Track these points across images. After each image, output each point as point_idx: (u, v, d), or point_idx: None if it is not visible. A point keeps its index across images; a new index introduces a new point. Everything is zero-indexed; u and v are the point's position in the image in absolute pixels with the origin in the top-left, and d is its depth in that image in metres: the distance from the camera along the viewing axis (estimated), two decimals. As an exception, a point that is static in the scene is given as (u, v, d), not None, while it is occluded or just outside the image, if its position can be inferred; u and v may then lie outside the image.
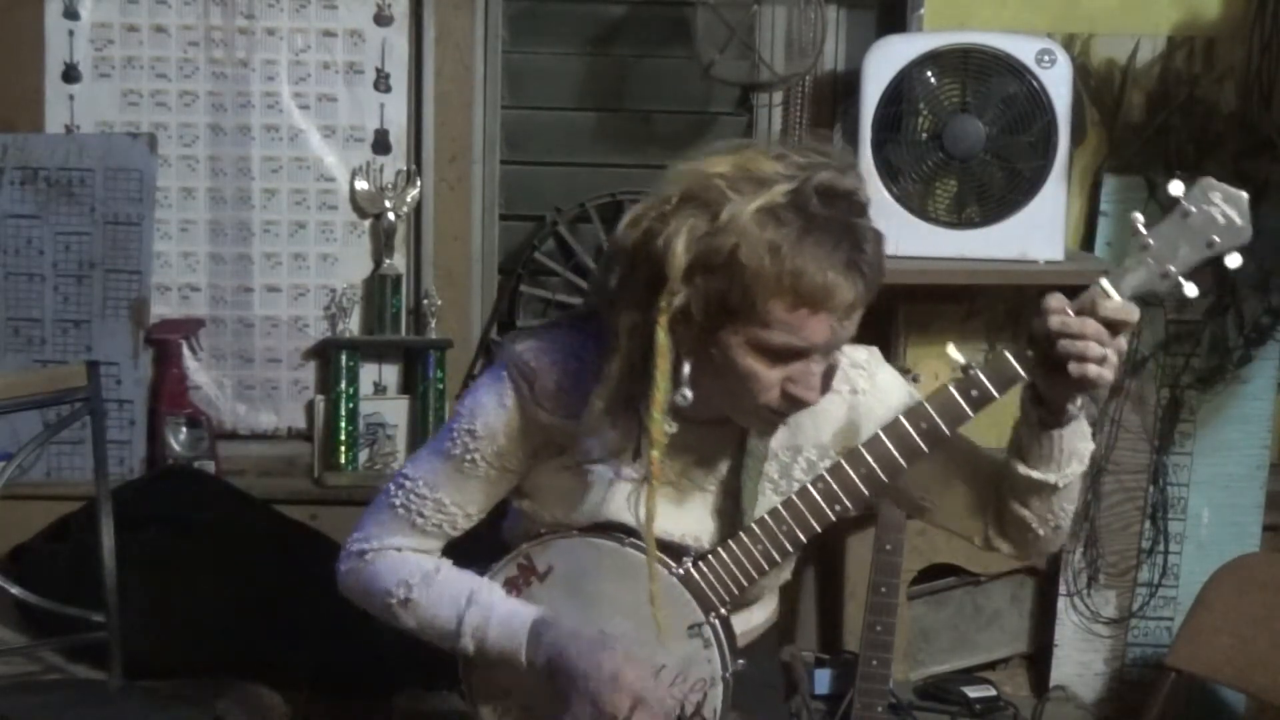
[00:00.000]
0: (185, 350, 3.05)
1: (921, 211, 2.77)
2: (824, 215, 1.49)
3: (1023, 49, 2.73)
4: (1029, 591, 3.11)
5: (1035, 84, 2.72)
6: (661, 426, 1.57)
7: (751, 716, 1.78)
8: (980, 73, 2.75)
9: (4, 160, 2.97)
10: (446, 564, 1.77)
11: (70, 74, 3.01)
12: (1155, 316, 2.97)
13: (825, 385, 1.59)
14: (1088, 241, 3.01)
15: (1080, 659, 3.06)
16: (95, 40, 3.01)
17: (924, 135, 2.79)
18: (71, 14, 3.00)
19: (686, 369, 1.56)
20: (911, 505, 1.75)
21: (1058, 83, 2.72)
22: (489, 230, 3.12)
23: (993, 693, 2.95)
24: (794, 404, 1.56)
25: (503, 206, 3.12)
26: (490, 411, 1.69)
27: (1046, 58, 2.72)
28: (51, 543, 2.85)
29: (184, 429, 3.01)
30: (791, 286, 1.48)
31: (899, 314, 2.99)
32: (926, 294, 2.95)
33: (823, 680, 2.91)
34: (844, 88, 2.99)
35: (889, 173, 2.76)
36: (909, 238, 2.74)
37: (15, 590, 2.53)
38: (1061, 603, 3.03)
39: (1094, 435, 1.63)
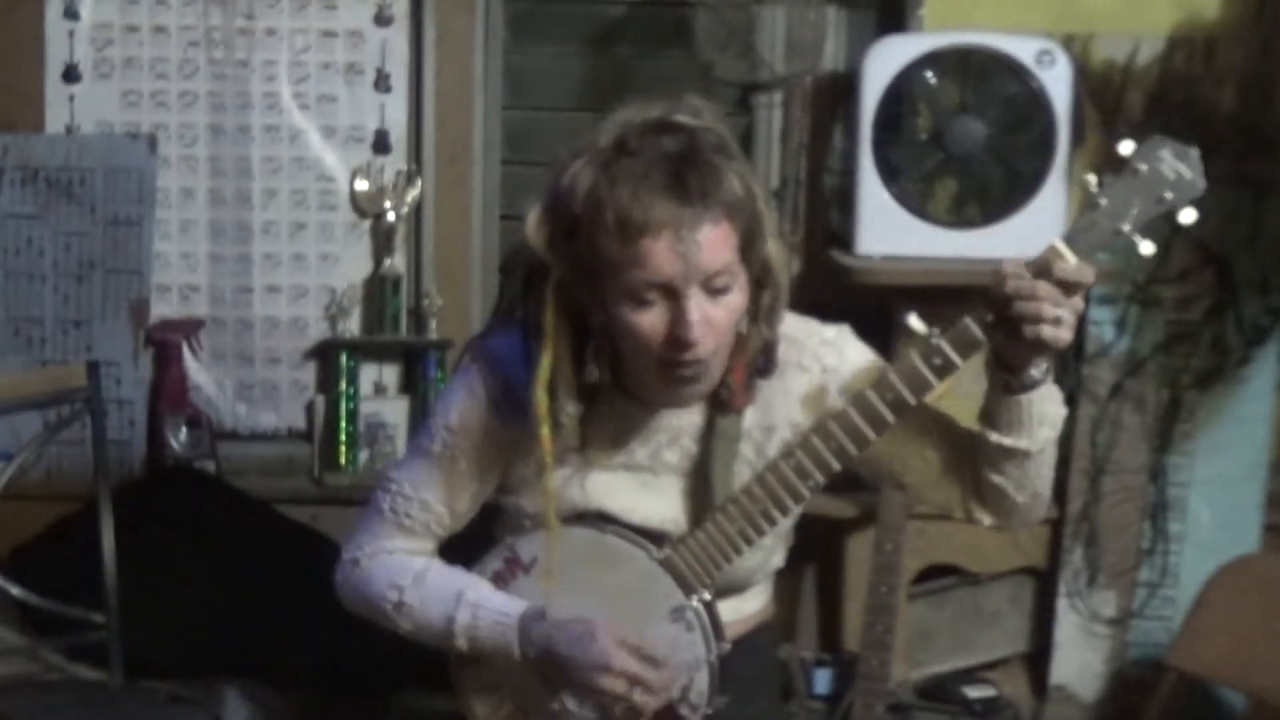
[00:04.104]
0: (185, 350, 3.05)
1: (921, 211, 2.77)
2: (640, 150, 1.53)
3: (1023, 49, 2.73)
4: (1029, 591, 3.10)
5: (1035, 84, 2.72)
6: (544, 404, 1.60)
7: (745, 706, 1.77)
8: (980, 73, 2.75)
9: (4, 160, 2.97)
10: (436, 563, 1.77)
11: (70, 74, 3.01)
12: (1155, 317, 2.96)
13: (771, 347, 1.63)
14: (1087, 242, 3.00)
15: (1080, 659, 3.06)
16: (95, 40, 3.01)
17: (924, 135, 2.79)
18: (71, 14, 3.00)
19: (592, 348, 1.60)
20: (890, 479, 1.75)
21: (1057, 83, 2.72)
22: (489, 230, 3.12)
23: (993, 693, 2.95)
24: (678, 346, 1.55)
25: (503, 207, 3.12)
26: (465, 404, 1.71)
27: (1046, 58, 2.72)
28: (51, 543, 2.85)
29: (184, 429, 3.01)
30: (615, 222, 1.50)
31: (898, 314, 2.99)
32: (926, 294, 2.94)
33: (823, 680, 2.91)
34: (844, 88, 2.98)
35: (889, 173, 2.76)
36: (909, 238, 2.74)
37: (15, 590, 2.53)
38: (1061, 603, 3.03)
39: (1066, 401, 1.63)
